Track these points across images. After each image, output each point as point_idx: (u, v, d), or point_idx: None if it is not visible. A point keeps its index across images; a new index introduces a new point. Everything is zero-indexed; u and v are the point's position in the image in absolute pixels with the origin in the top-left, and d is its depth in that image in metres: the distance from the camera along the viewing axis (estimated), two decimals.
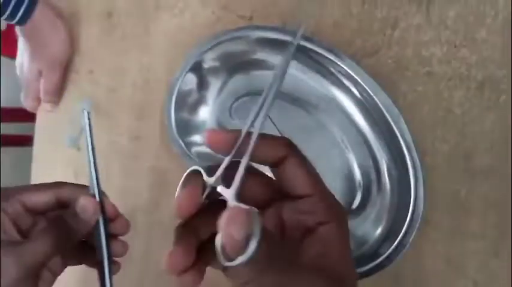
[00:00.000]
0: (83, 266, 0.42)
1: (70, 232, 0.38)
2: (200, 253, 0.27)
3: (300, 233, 0.28)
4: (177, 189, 0.27)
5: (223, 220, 0.23)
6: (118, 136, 0.59)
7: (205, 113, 0.55)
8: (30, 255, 0.36)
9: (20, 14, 0.56)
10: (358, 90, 0.49)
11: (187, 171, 0.28)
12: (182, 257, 0.26)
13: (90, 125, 0.41)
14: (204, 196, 0.27)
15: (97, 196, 0.40)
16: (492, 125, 0.48)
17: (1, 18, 0.56)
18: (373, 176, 0.50)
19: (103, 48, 0.60)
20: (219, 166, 0.27)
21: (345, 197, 0.51)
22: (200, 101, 0.55)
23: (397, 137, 0.47)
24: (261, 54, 0.52)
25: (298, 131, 0.52)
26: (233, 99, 0.54)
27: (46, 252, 0.37)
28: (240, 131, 0.27)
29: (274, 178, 0.29)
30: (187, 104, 0.55)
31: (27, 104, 0.64)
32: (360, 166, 0.51)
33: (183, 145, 0.53)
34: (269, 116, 0.51)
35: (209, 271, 0.28)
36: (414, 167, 0.47)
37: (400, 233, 0.47)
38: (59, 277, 0.40)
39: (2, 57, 1.24)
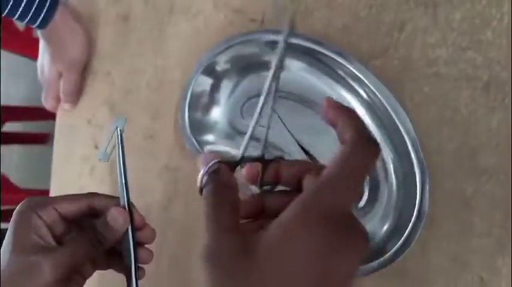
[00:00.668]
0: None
1: (101, 239, 0.41)
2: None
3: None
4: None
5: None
6: (133, 135, 0.61)
7: (217, 113, 0.57)
8: (64, 260, 0.39)
9: (40, 18, 0.58)
10: (365, 91, 0.51)
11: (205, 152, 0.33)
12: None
13: (122, 142, 0.43)
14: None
15: (127, 207, 0.42)
16: (497, 124, 0.48)
17: (23, 23, 0.58)
18: (380, 175, 0.51)
19: (120, 50, 0.62)
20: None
21: None
22: (213, 102, 0.57)
23: (403, 137, 0.48)
24: (271, 56, 0.54)
25: (307, 131, 0.53)
26: (244, 100, 0.56)
27: (78, 258, 0.40)
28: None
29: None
30: (201, 104, 0.56)
31: (47, 103, 0.67)
32: None
33: (196, 143, 0.55)
34: (279, 116, 0.53)
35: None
36: (420, 166, 0.48)
37: (406, 231, 0.48)
38: None
39: (23, 59, 1.27)
